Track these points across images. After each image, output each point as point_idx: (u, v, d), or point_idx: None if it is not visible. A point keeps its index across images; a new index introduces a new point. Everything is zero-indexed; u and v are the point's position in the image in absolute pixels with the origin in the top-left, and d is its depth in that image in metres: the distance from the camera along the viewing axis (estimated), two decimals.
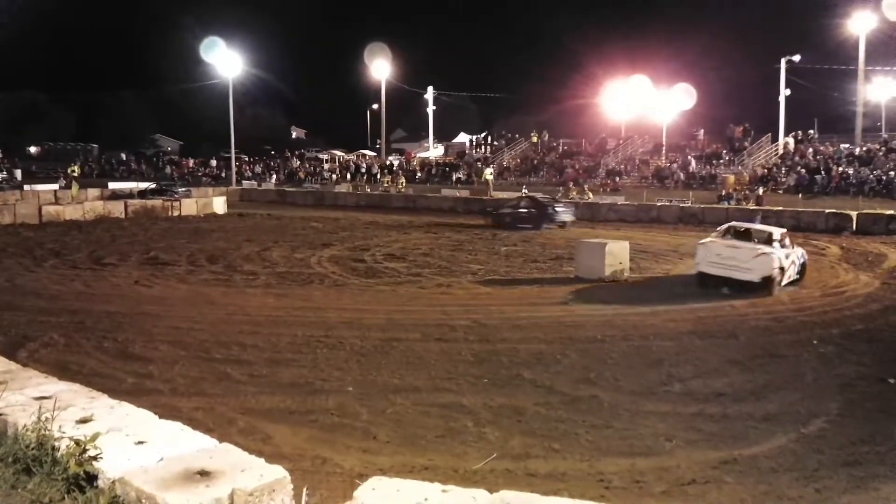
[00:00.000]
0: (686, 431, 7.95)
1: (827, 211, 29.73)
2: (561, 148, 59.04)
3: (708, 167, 48.04)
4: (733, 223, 17.82)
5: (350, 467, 6.88)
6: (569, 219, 30.00)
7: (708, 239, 16.51)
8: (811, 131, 50.66)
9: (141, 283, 16.60)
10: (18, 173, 59.20)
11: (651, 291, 16.01)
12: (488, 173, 44.96)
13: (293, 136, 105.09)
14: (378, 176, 56.42)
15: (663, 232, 28.76)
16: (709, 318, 13.45)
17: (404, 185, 49.73)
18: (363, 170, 60.82)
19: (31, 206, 32.20)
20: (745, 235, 16.61)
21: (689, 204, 34.26)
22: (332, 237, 25.52)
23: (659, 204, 34.62)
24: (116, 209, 33.33)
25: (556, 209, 30.07)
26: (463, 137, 72.66)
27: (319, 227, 29.03)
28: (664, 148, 52.44)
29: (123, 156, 76.50)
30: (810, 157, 44.78)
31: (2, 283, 16.49)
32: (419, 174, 57.29)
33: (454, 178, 54.71)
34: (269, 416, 8.22)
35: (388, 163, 61.74)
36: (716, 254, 15.62)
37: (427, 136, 70.51)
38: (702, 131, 53.64)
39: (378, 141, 72.58)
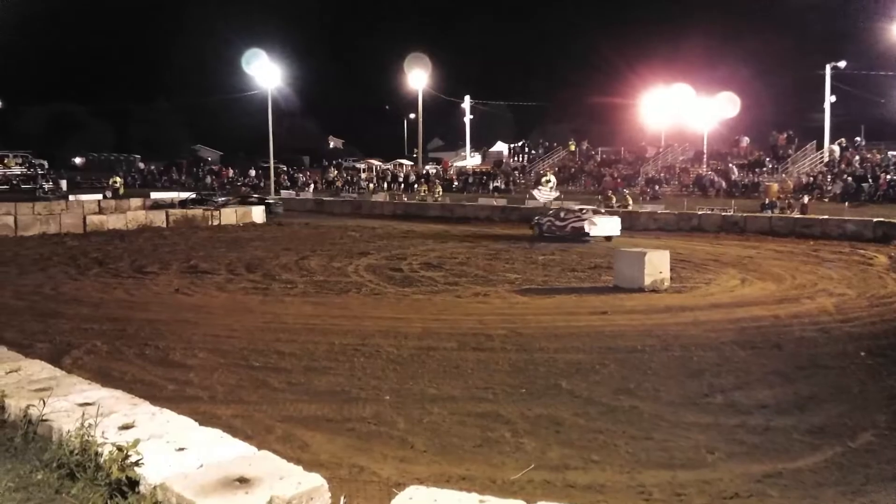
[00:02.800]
0: (728, 443, 7.79)
1: (874, 220, 29.06)
2: (599, 156, 58.81)
3: (750, 175, 47.29)
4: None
5: (387, 476, 6.86)
6: (610, 231, 28.62)
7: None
8: (857, 138, 49.64)
9: (181, 291, 16.80)
10: (64, 183, 60.02)
11: (691, 300, 15.77)
12: (545, 181, 41.90)
13: (331, 145, 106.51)
14: (415, 185, 56.42)
15: (704, 241, 28.33)
16: (751, 328, 13.20)
17: (440, 193, 49.64)
18: (400, 179, 60.85)
19: (76, 215, 32.79)
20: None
21: (731, 213, 33.71)
22: (369, 246, 25.53)
23: (700, 212, 34.08)
24: (158, 219, 33.95)
25: (593, 220, 29.08)
26: (500, 146, 72.53)
27: (356, 236, 29.13)
28: (705, 156, 51.74)
29: (163, 166, 77.92)
30: (857, 165, 43.85)
31: (47, 291, 16.83)
32: (456, 183, 57.27)
33: (491, 186, 54.52)
34: (305, 424, 8.25)
35: (424, 172, 61.55)
36: None
37: (464, 145, 70.73)
38: (746, 139, 52.75)
39: (415, 150, 72.83)
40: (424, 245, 25.95)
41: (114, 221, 32.77)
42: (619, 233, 28.64)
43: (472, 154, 70.78)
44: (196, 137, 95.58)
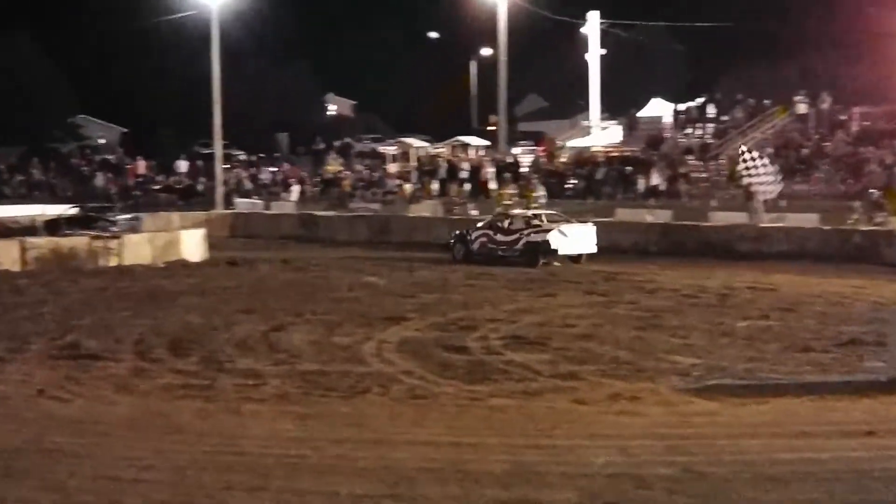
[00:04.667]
0: None
1: None
2: (855, 124, 33.54)
3: None
4: None
5: None
6: (583, 247, 20.71)
7: None
8: None
9: (49, 392, 10.33)
10: None
11: None
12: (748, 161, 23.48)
13: (329, 111, 65.71)
14: (491, 186, 33.57)
15: None
16: None
17: (542, 200, 28.81)
18: (462, 174, 35.79)
19: None
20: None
21: None
22: (406, 303, 16.30)
23: None
24: (6, 256, 21.21)
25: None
26: (658, 107, 42.44)
27: (380, 285, 18.73)
28: None
29: (17, 157, 46.58)
30: None
31: None
32: (573, 181, 34.49)
33: (641, 185, 31.98)
34: None
35: (509, 161, 36.70)
36: None
37: (586, 108, 42.63)
38: None
39: (491, 120, 43.83)
40: (513, 300, 16.77)
41: None
42: (594, 248, 21.23)
43: (605, 123, 42.01)
44: (81, 104, 54.96)
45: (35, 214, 27.76)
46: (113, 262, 22.21)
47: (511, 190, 31.02)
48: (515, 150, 40.48)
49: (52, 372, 11.36)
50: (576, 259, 21.07)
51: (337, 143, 47.51)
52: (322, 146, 46.51)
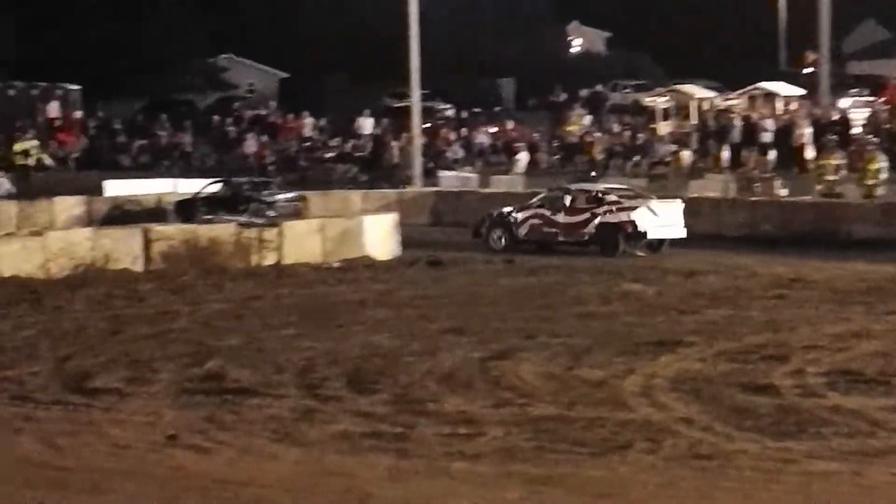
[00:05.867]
0: None
1: None
2: None
3: None
4: None
5: None
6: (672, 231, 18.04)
7: None
8: None
9: (184, 440, 7.89)
10: None
11: None
12: None
13: (573, 46, 50.50)
14: (811, 152, 25.21)
15: None
16: None
17: (884, 172, 21.71)
18: (765, 137, 26.98)
19: None
20: None
21: None
22: (684, 321, 12.89)
23: None
24: (124, 249, 16.88)
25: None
26: None
27: (647, 295, 15.00)
28: None
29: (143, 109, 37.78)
30: None
31: None
32: None
33: None
34: None
35: (834, 117, 27.78)
36: None
37: None
38: None
39: (807, 58, 33.38)
40: (839, 321, 12.76)
41: (13, 258, 15.99)
42: (684, 232, 18.30)
43: None
44: (222, 39, 43.49)
45: (162, 192, 22.99)
46: (269, 259, 17.28)
47: (837, 160, 22.18)
48: (843, 103, 29.65)
49: (186, 412, 8.78)
50: (656, 246, 18.06)
51: (584, 93, 36.43)
52: (562, 97, 36.85)
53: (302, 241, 17.58)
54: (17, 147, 29.67)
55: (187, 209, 20.29)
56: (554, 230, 18.50)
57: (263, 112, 36.70)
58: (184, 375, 10.01)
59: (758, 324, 12.34)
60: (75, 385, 9.63)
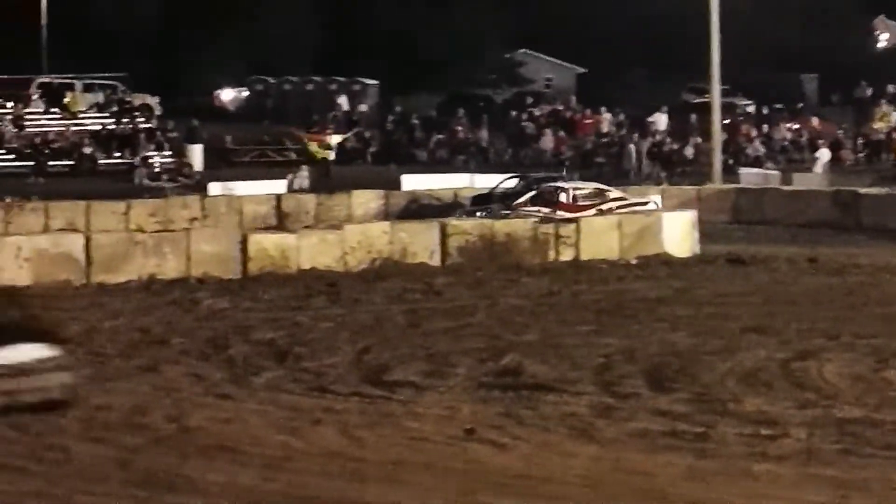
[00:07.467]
0: None
1: None
2: None
3: None
4: None
5: None
6: None
7: None
8: None
9: (481, 434, 7.82)
10: (196, 153, 32.07)
11: None
12: None
13: (880, 41, 47.03)
14: None
15: None
16: None
17: None
18: None
19: (223, 236, 17.24)
20: None
21: None
22: None
23: None
24: (421, 243, 17.13)
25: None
26: None
27: None
28: None
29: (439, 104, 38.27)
30: None
31: (160, 423, 8.02)
32: None
33: None
34: None
35: None
36: None
37: None
38: None
39: None
40: None
41: (312, 251, 16.64)
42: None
43: None
44: (521, 34, 42.40)
45: (459, 187, 23.94)
46: (566, 255, 17.21)
47: None
48: None
49: (484, 406, 8.79)
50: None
51: (890, 89, 34.81)
52: (868, 93, 35.26)
53: (599, 238, 17.56)
54: None
55: (485, 204, 20.54)
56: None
57: (560, 107, 37.20)
58: (481, 370, 10.15)
59: None
60: (373, 377, 9.84)
